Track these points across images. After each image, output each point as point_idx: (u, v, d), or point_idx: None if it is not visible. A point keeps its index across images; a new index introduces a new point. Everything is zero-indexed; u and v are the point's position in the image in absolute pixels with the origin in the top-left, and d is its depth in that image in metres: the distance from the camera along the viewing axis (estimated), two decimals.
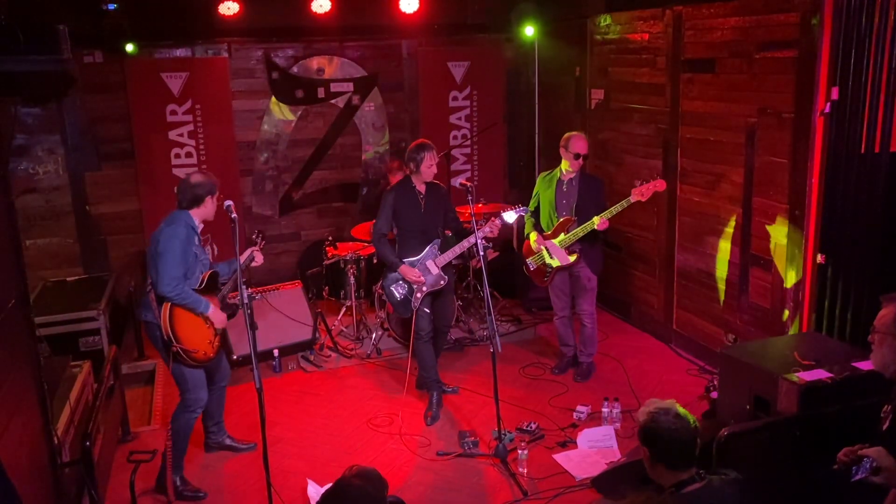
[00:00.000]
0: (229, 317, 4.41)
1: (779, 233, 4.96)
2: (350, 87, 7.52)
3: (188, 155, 6.97)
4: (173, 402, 4.48)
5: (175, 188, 4.29)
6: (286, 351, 6.05)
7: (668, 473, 2.52)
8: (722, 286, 5.53)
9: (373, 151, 7.78)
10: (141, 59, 6.66)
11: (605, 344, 6.13)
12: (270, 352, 5.92)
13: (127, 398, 5.14)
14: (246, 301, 3.88)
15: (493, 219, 4.94)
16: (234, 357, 5.89)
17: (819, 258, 4.61)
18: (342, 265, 6.28)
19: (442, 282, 5.05)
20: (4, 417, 2.97)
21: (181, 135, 6.92)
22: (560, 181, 5.31)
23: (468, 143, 7.89)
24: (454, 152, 7.74)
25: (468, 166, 7.99)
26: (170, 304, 4.04)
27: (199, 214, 4.22)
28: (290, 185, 7.57)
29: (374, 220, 5.22)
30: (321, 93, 7.44)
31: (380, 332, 6.24)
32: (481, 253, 4.63)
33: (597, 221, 5.01)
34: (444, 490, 4.29)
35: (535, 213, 5.46)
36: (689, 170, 5.78)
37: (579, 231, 5.13)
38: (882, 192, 4.18)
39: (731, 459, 3.27)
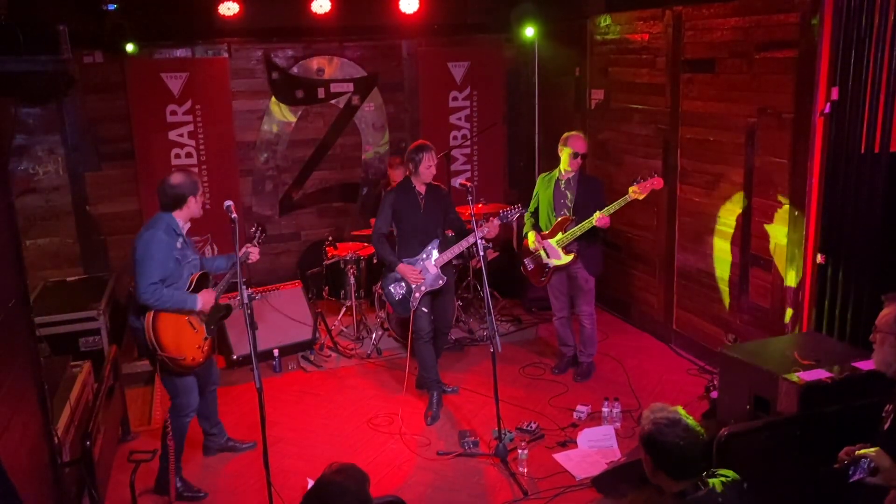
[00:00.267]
0: (222, 318, 4.33)
1: (779, 233, 4.96)
2: (350, 87, 7.53)
3: (188, 155, 6.97)
4: None
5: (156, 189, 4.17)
6: (286, 351, 6.05)
7: (670, 481, 2.48)
8: (725, 287, 5.53)
9: (373, 151, 7.79)
10: (141, 59, 6.66)
11: (605, 344, 6.13)
12: (270, 352, 5.92)
13: (127, 398, 5.14)
14: (246, 301, 3.82)
15: (491, 219, 4.94)
16: (234, 357, 5.90)
17: (819, 258, 4.61)
18: (342, 265, 6.29)
19: (441, 281, 5.05)
20: (5, 417, 2.97)
21: (181, 135, 6.93)
22: (559, 181, 5.32)
23: (468, 143, 7.89)
24: (454, 152, 7.75)
25: (468, 166, 7.99)
26: (153, 311, 3.95)
27: (183, 216, 4.11)
28: (290, 185, 7.57)
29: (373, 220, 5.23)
30: (321, 93, 7.45)
31: (380, 332, 6.24)
32: (481, 253, 4.64)
33: (597, 216, 5.00)
34: (444, 490, 4.29)
35: (535, 214, 5.46)
36: (689, 170, 5.79)
37: (577, 230, 5.13)
38: (882, 192, 4.18)
39: (731, 459, 3.26)
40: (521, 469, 4.38)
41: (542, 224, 5.41)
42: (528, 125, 7.98)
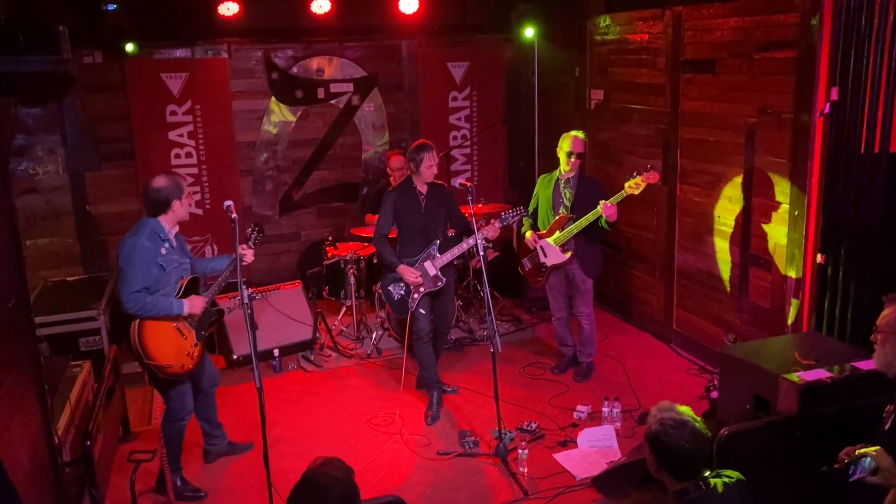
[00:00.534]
0: (210, 326, 4.23)
1: (779, 233, 4.96)
2: (350, 87, 7.52)
3: (188, 155, 6.97)
4: None
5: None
6: (286, 351, 6.05)
7: (672, 480, 2.50)
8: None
9: (373, 151, 7.79)
10: (141, 60, 6.66)
11: (605, 344, 6.13)
12: (271, 351, 5.93)
13: (127, 398, 5.14)
14: (246, 301, 3.80)
15: (492, 221, 4.94)
16: (234, 357, 5.90)
17: (819, 258, 4.61)
18: (342, 265, 6.28)
19: (440, 283, 5.04)
20: (5, 417, 2.97)
21: (181, 135, 6.92)
22: (558, 181, 5.32)
23: (468, 143, 7.89)
24: (454, 152, 7.75)
25: (468, 166, 7.99)
26: (138, 318, 3.89)
27: (169, 220, 4.00)
28: (290, 185, 7.57)
29: (377, 213, 5.22)
30: (321, 93, 7.44)
31: (380, 332, 6.24)
32: (481, 253, 4.63)
33: (602, 206, 4.97)
34: (444, 490, 4.29)
35: (534, 214, 5.47)
36: (689, 170, 5.79)
37: (582, 222, 5.10)
38: (882, 192, 4.18)
39: (731, 459, 3.26)
40: (521, 469, 4.38)
41: (540, 224, 5.41)
42: (528, 125, 7.97)
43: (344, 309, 6.53)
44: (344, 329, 6.57)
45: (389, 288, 5.10)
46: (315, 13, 6.63)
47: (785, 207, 4.88)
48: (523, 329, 6.59)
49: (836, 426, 3.40)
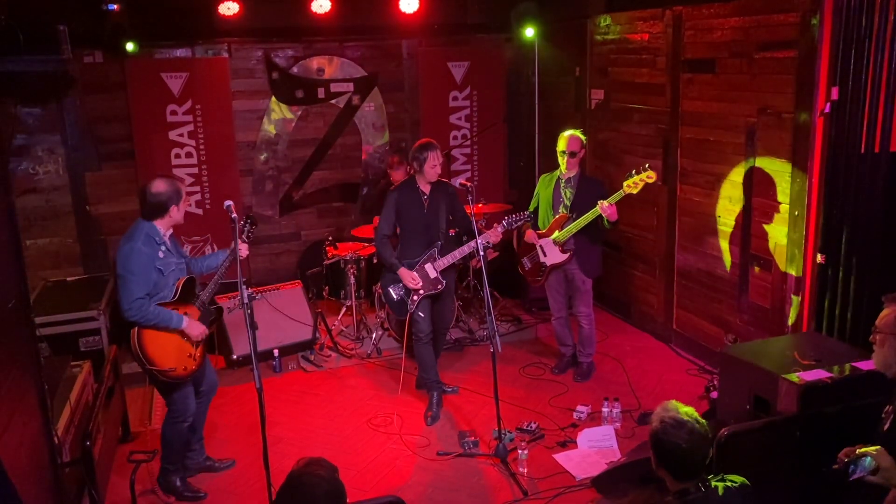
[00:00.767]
0: (210, 325, 4.19)
1: (779, 233, 4.96)
2: (350, 87, 7.53)
3: (188, 155, 6.97)
4: None
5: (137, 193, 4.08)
6: (286, 351, 6.05)
7: (672, 480, 2.50)
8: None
9: (373, 151, 7.79)
10: (141, 59, 6.66)
11: (605, 344, 6.13)
12: (270, 352, 5.92)
13: (127, 398, 5.14)
14: (246, 301, 3.78)
15: (495, 225, 4.90)
16: (234, 357, 5.90)
17: (819, 258, 4.61)
18: (342, 265, 6.28)
19: (439, 286, 5.02)
20: (5, 417, 2.97)
21: (181, 135, 6.93)
22: (559, 180, 5.32)
23: (468, 143, 7.89)
24: (454, 152, 7.75)
25: (468, 166, 7.99)
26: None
27: (164, 224, 3.96)
28: (290, 185, 7.57)
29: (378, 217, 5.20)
30: (321, 93, 7.45)
31: (380, 332, 6.24)
32: (481, 253, 4.63)
33: (604, 204, 4.95)
34: (444, 490, 4.29)
35: (535, 213, 5.47)
36: (689, 170, 5.79)
37: (581, 221, 5.10)
38: (882, 192, 4.18)
39: (731, 459, 3.27)
40: (521, 469, 4.38)
41: (540, 224, 5.41)
42: (528, 125, 7.97)
43: (344, 309, 6.53)
44: (344, 329, 6.57)
45: (389, 288, 5.09)
46: (315, 13, 6.64)
47: (785, 207, 4.88)
48: (523, 329, 6.59)
49: (836, 426, 3.40)
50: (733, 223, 5.37)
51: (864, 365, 3.67)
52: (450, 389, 5.42)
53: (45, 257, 6.65)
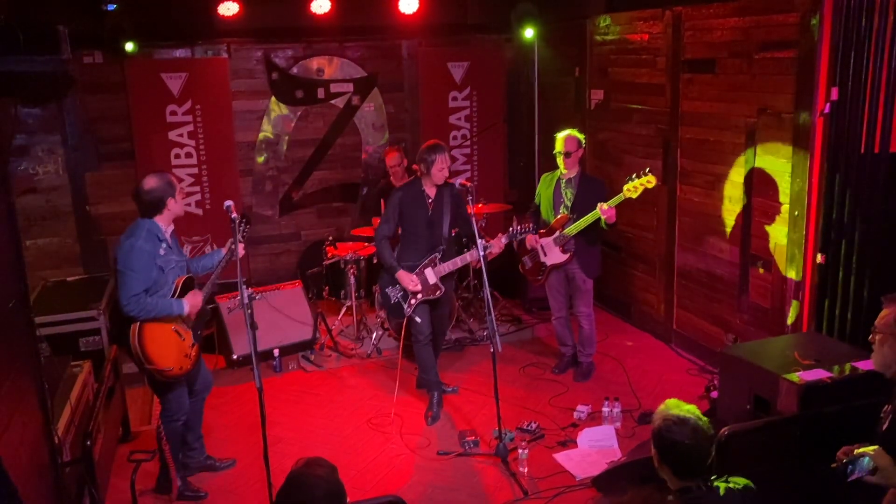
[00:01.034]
0: (208, 322, 4.19)
1: (779, 233, 4.96)
2: (350, 87, 7.53)
3: (188, 155, 6.97)
4: None
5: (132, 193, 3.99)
6: (286, 351, 6.05)
7: (673, 478, 2.50)
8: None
9: (373, 151, 7.79)
10: (141, 59, 6.66)
11: (605, 344, 6.13)
12: (271, 352, 5.92)
13: (127, 398, 5.14)
14: (246, 301, 3.79)
15: (499, 235, 4.86)
16: (234, 357, 5.90)
17: (819, 258, 4.61)
18: (342, 265, 6.28)
19: (438, 292, 4.97)
20: (5, 417, 2.97)
21: (181, 135, 6.92)
22: (560, 180, 5.32)
23: (468, 143, 7.89)
24: (454, 152, 7.75)
25: (468, 166, 7.99)
26: (138, 322, 3.87)
27: (165, 219, 3.96)
28: (290, 185, 7.57)
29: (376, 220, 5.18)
30: (321, 93, 7.45)
31: (380, 332, 6.24)
32: (481, 253, 4.62)
33: (603, 207, 4.96)
34: (444, 490, 4.29)
35: (536, 213, 5.47)
36: (689, 170, 5.79)
37: (581, 223, 5.10)
38: (882, 192, 4.18)
39: (731, 459, 3.27)
40: (521, 469, 4.38)
41: (542, 223, 5.41)
42: (528, 125, 7.98)
43: (344, 309, 6.53)
44: (344, 329, 6.57)
45: (387, 290, 5.02)
46: (315, 13, 6.64)
47: (785, 207, 4.88)
48: (523, 329, 6.59)
49: (835, 426, 3.40)
50: (733, 223, 5.38)
51: (864, 365, 3.67)
52: (450, 389, 5.42)
53: (45, 257, 6.65)
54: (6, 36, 4.22)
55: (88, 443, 3.79)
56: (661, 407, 2.58)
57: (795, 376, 3.66)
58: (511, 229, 4.94)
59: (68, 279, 6.39)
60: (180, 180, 6.82)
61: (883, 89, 4.09)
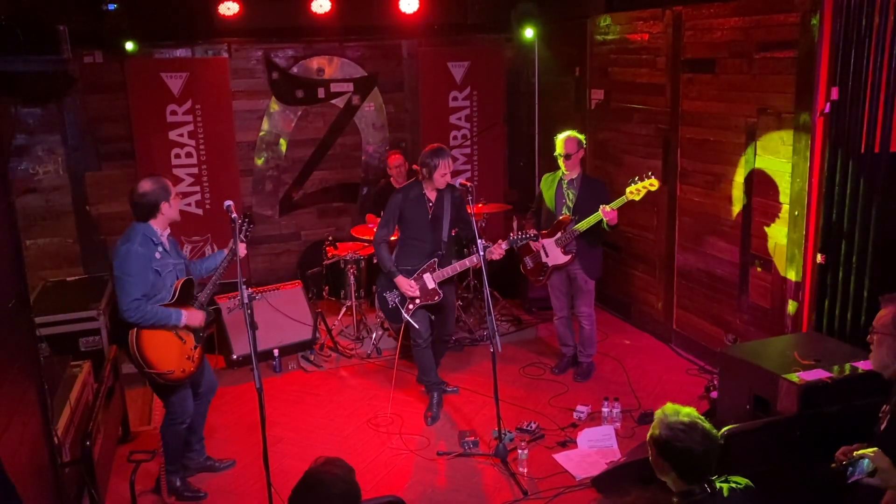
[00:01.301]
0: (210, 323, 4.16)
1: (779, 233, 4.96)
2: (350, 87, 7.53)
3: (188, 155, 6.97)
4: None
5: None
6: (286, 351, 6.05)
7: (679, 482, 2.46)
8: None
9: (373, 151, 7.79)
10: (141, 59, 6.66)
11: (605, 344, 6.13)
12: (270, 352, 5.92)
13: (127, 398, 5.14)
14: (246, 301, 3.77)
15: (500, 241, 4.82)
16: (234, 357, 5.90)
17: (819, 258, 4.61)
18: (342, 265, 6.28)
19: (437, 297, 4.93)
20: (5, 417, 2.97)
21: (181, 135, 6.93)
22: (561, 181, 5.32)
23: (468, 143, 7.89)
24: (454, 152, 7.75)
25: (468, 166, 7.99)
26: (136, 327, 3.85)
27: (160, 223, 3.94)
28: (291, 185, 7.57)
29: (378, 213, 5.13)
30: (321, 93, 7.45)
31: (380, 332, 6.24)
32: (481, 253, 4.62)
33: (605, 209, 4.95)
34: (444, 490, 4.29)
35: (537, 213, 5.46)
36: (689, 170, 5.79)
37: (582, 225, 5.10)
38: (882, 192, 4.18)
39: (731, 459, 3.26)
40: (521, 469, 4.38)
41: (543, 224, 5.41)
42: (528, 125, 7.98)
43: (344, 309, 6.53)
44: (344, 329, 6.57)
45: (385, 294, 4.98)
46: (315, 13, 6.65)
47: (785, 207, 4.88)
48: (523, 329, 6.59)
49: (835, 426, 3.40)
50: (733, 223, 5.37)
51: (864, 365, 3.67)
52: (450, 389, 5.41)
53: (45, 257, 6.65)
54: (6, 36, 4.21)
55: (88, 443, 3.79)
56: (659, 414, 2.51)
57: (795, 376, 3.66)
58: (511, 236, 4.91)
59: (68, 279, 6.40)
60: (180, 180, 6.85)
61: (883, 89, 4.09)
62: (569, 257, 5.28)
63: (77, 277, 6.52)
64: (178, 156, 6.94)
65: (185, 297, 4.07)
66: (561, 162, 5.23)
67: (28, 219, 6.49)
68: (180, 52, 6.94)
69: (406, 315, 4.91)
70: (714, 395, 4.78)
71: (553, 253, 5.32)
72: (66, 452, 3.83)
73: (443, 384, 5.35)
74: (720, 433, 3.33)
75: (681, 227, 5.95)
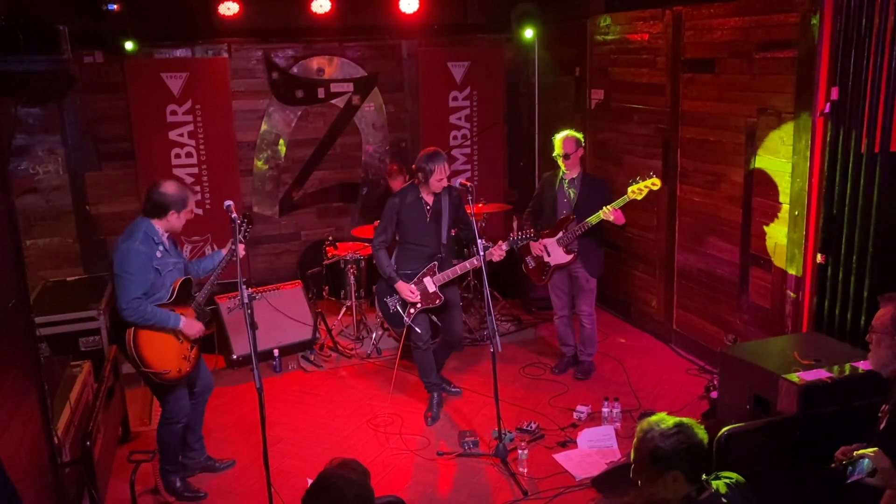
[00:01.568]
0: (208, 323, 4.18)
1: (778, 233, 4.96)
2: (350, 87, 7.52)
3: (188, 155, 6.97)
4: None
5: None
6: (286, 351, 6.05)
7: (686, 485, 2.40)
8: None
9: (373, 151, 7.79)
10: (141, 59, 6.67)
11: (605, 344, 6.13)
12: (271, 352, 5.92)
13: (127, 398, 5.14)
14: (246, 301, 3.77)
15: (500, 242, 4.82)
16: (234, 357, 5.90)
17: (819, 258, 4.61)
18: (342, 265, 6.28)
19: (437, 301, 4.91)
20: (5, 417, 2.97)
21: (181, 135, 6.92)
22: (562, 180, 5.32)
23: (468, 143, 7.89)
24: (454, 152, 7.75)
25: (468, 166, 7.99)
26: (134, 327, 3.85)
27: (162, 225, 3.95)
28: (291, 185, 7.57)
29: (377, 222, 5.12)
30: (321, 93, 7.44)
31: (380, 332, 6.24)
32: (481, 253, 4.62)
33: (607, 210, 4.95)
34: (445, 490, 4.29)
35: (537, 213, 5.46)
36: (689, 170, 5.79)
37: (594, 218, 5.08)
38: (882, 192, 4.18)
39: (731, 459, 3.26)
40: (521, 469, 4.38)
41: (544, 223, 5.40)
42: (528, 125, 7.98)
43: (344, 309, 6.53)
44: (344, 329, 6.57)
45: (385, 299, 4.96)
46: (315, 13, 6.64)
47: (785, 207, 4.88)
48: (523, 329, 6.59)
49: (835, 426, 3.40)
50: (733, 223, 5.37)
51: (864, 365, 3.67)
52: (454, 390, 5.39)
53: (45, 257, 6.65)
54: (6, 36, 4.21)
55: (88, 443, 3.79)
56: (646, 428, 2.42)
57: (795, 376, 3.66)
58: (512, 236, 4.90)
59: (68, 279, 6.40)
60: (180, 180, 6.84)
61: (883, 89, 4.08)
62: (571, 256, 5.28)
63: (77, 277, 6.52)
64: (178, 156, 6.94)
65: (183, 297, 4.07)
66: (561, 162, 5.23)
67: (28, 219, 6.49)
68: (180, 52, 6.94)
69: (408, 320, 4.89)
70: (714, 395, 4.78)
71: (555, 252, 5.32)
72: (66, 452, 3.83)
73: (445, 384, 5.34)
74: (720, 433, 3.36)
75: (681, 227, 5.95)
